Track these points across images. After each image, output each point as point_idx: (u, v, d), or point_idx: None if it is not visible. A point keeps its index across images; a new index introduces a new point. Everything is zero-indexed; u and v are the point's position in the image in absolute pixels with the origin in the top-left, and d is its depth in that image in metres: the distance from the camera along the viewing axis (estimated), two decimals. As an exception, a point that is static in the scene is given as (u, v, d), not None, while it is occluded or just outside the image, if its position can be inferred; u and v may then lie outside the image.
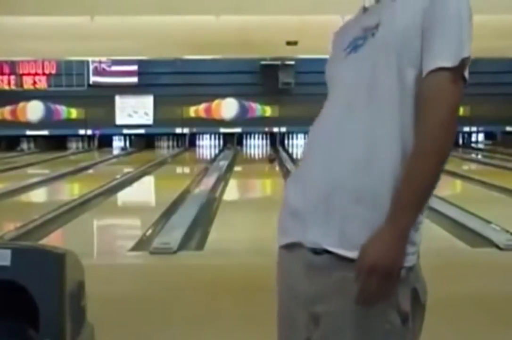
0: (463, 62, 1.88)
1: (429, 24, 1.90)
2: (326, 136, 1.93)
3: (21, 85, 21.95)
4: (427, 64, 1.89)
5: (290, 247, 1.94)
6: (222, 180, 12.15)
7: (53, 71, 21.91)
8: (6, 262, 2.28)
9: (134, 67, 21.75)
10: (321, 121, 1.98)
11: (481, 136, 22.50)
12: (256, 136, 22.11)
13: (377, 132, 1.88)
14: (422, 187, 1.87)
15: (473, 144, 21.70)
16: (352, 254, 1.82)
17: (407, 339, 1.84)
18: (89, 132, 21.84)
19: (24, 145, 21.89)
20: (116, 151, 21.16)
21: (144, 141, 21.90)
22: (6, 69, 21.89)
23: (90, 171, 15.21)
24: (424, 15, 1.92)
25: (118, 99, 22.04)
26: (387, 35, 1.94)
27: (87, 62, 21.60)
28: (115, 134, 22.17)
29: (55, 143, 21.42)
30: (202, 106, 22.12)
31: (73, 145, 22.13)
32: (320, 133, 1.96)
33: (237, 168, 14.98)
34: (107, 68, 22.04)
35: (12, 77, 21.98)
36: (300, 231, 1.91)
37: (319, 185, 1.90)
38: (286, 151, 19.29)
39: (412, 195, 1.85)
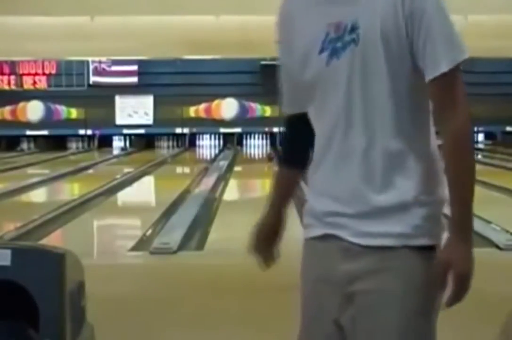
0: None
1: (416, 23, 1.83)
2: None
3: (21, 85, 21.96)
4: (431, 69, 1.84)
5: (322, 237, 1.96)
6: (222, 180, 12.15)
7: (53, 71, 21.91)
8: (6, 262, 2.28)
9: (134, 67, 21.76)
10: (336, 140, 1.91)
11: (481, 136, 22.50)
12: (256, 136, 22.11)
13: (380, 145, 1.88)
14: (471, 187, 1.89)
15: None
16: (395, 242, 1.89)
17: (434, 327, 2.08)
18: (89, 132, 21.84)
19: (24, 145, 21.90)
20: (116, 151, 21.16)
21: (144, 141, 21.89)
22: (6, 69, 21.90)
23: (90, 171, 15.21)
24: (404, 9, 1.84)
25: (118, 99, 22.04)
26: (371, 39, 1.83)
27: (87, 62, 21.60)
28: (115, 134, 22.17)
29: (55, 143, 21.42)
30: (202, 106, 22.13)
31: (73, 145, 22.12)
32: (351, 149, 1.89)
33: (237, 168, 14.98)
34: (107, 68, 22.04)
35: (12, 77, 21.98)
36: (346, 225, 1.92)
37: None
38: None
39: (470, 200, 1.89)
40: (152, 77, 21.68)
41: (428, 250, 1.89)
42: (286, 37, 1.97)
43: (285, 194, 2.17)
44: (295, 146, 2.16)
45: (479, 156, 18.03)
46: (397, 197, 1.87)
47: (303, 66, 1.91)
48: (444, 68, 1.83)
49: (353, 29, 1.83)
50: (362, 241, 1.88)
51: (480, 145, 21.50)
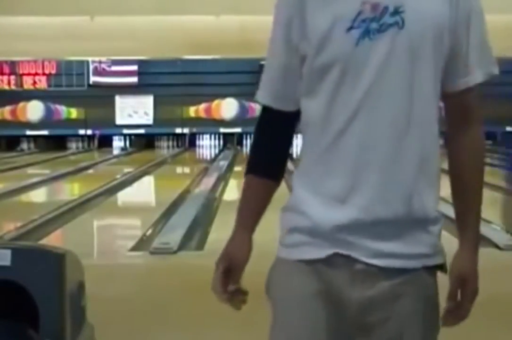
0: None
1: (465, 26, 1.74)
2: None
3: (21, 85, 21.96)
4: (467, 77, 1.76)
5: (325, 260, 1.70)
6: (222, 180, 12.15)
7: (53, 71, 21.91)
8: (6, 262, 2.28)
9: (134, 67, 21.76)
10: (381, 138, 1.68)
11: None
12: (256, 136, 22.10)
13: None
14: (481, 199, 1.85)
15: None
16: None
17: None
18: (89, 132, 21.83)
19: (24, 145, 21.89)
20: (116, 151, 21.16)
21: (144, 141, 21.89)
22: (6, 69, 21.90)
23: (90, 171, 15.20)
24: (459, 8, 1.73)
25: (118, 99, 22.04)
26: (420, 27, 1.68)
27: (87, 62, 21.60)
28: (115, 134, 22.17)
29: (55, 143, 21.41)
30: (202, 106, 22.12)
31: (73, 145, 22.12)
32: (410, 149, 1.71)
33: (237, 168, 14.97)
34: (107, 68, 22.04)
35: (12, 77, 21.98)
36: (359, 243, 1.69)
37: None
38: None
39: (479, 213, 1.84)
40: (152, 77, 21.68)
41: (440, 267, 1.80)
42: (296, 16, 1.72)
43: (258, 212, 1.84)
44: (275, 151, 1.83)
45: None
46: (421, 210, 1.74)
47: (322, 46, 1.68)
48: (480, 78, 1.78)
49: (396, 12, 1.66)
50: (381, 263, 1.68)
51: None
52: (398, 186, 1.68)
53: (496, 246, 6.41)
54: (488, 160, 15.62)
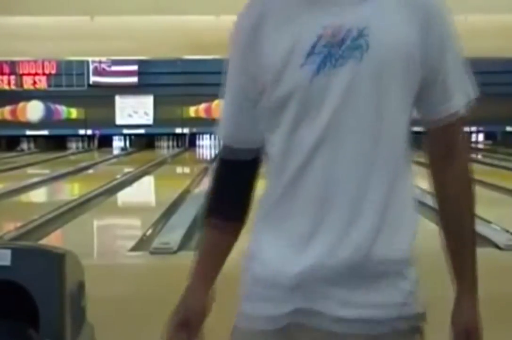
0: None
1: (437, 50, 1.57)
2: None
3: (21, 85, 21.95)
4: (448, 104, 1.60)
5: (280, 329, 1.52)
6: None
7: (53, 71, 21.91)
8: (6, 262, 2.28)
9: (134, 67, 21.75)
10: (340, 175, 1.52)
11: (481, 136, 22.51)
12: (256, 136, 22.10)
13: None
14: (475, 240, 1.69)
15: (473, 144, 21.69)
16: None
17: None
18: (89, 132, 21.83)
19: (24, 145, 21.89)
20: (116, 151, 21.16)
21: (144, 141, 21.89)
22: (6, 69, 21.89)
23: (90, 171, 15.20)
24: (433, 29, 1.56)
25: (118, 99, 22.04)
26: (385, 54, 1.51)
27: (87, 62, 21.60)
28: (115, 134, 22.16)
29: (55, 143, 21.41)
30: (202, 106, 22.12)
31: (73, 145, 22.12)
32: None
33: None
34: (107, 68, 22.04)
35: (12, 77, 21.98)
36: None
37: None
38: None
39: (474, 254, 1.69)
40: (152, 77, 21.67)
41: (418, 317, 1.61)
42: (252, 45, 1.56)
43: (217, 264, 1.69)
44: (235, 194, 1.65)
45: (479, 156, 18.03)
46: (392, 253, 1.54)
47: (279, 76, 1.51)
48: (461, 104, 1.62)
49: (360, 35, 1.50)
50: (349, 314, 1.51)
51: (480, 145, 21.51)
52: (364, 226, 1.50)
53: (496, 246, 6.41)
54: (488, 160, 15.65)
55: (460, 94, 1.62)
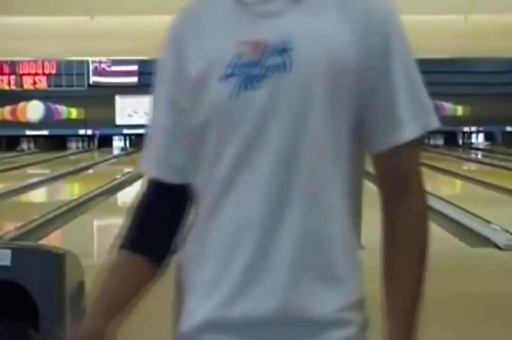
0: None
1: (380, 63, 1.33)
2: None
3: (21, 85, 21.96)
4: (392, 133, 1.34)
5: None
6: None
7: (53, 71, 21.91)
8: (6, 262, 2.28)
9: (134, 67, 21.75)
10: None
11: (481, 137, 22.51)
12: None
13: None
14: (422, 285, 1.39)
15: (472, 145, 21.70)
16: None
17: None
18: (89, 132, 21.83)
19: (24, 145, 21.89)
20: (116, 151, 21.16)
21: (144, 141, 21.85)
22: (6, 69, 21.90)
23: (90, 171, 15.21)
24: (362, 40, 1.31)
25: (118, 99, 22.04)
26: (312, 69, 1.29)
27: (87, 62, 21.61)
28: (115, 134, 22.17)
29: (55, 143, 21.41)
30: (202, 106, 22.12)
31: (73, 145, 22.12)
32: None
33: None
34: (107, 68, 22.04)
35: (12, 77, 21.98)
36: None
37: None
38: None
39: (418, 299, 1.39)
40: (152, 77, 21.61)
41: None
42: (172, 65, 1.41)
43: (122, 297, 1.49)
44: (160, 227, 1.44)
45: (479, 156, 18.04)
46: (309, 310, 1.31)
47: (195, 100, 1.33)
48: (413, 134, 1.34)
49: (284, 50, 1.29)
50: None
51: (480, 146, 21.52)
52: (270, 278, 1.29)
53: (496, 246, 6.41)
54: (488, 160, 15.66)
55: (414, 121, 1.34)
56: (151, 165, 1.45)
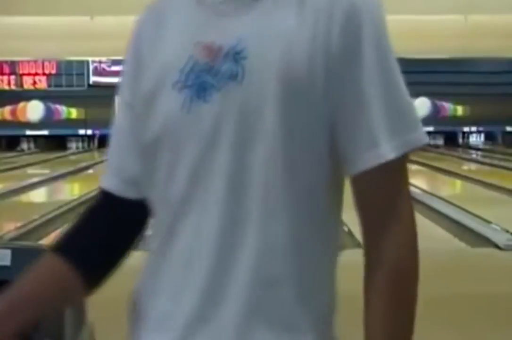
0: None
1: (349, 69, 1.11)
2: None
3: (21, 85, 21.96)
4: (364, 153, 1.12)
5: None
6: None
7: (53, 71, 21.91)
8: (6, 262, 2.29)
9: (134, 67, 21.77)
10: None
11: (481, 137, 22.51)
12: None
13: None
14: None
15: (472, 145, 21.71)
16: None
17: None
18: (89, 132, 21.84)
19: (24, 145, 21.90)
20: (116, 151, 21.14)
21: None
22: (6, 69, 21.90)
23: (90, 171, 15.21)
24: (332, 43, 1.10)
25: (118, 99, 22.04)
26: (265, 80, 1.10)
27: (87, 62, 21.61)
28: (115, 134, 22.16)
29: (55, 143, 21.42)
30: (202, 106, 22.13)
31: (73, 145, 22.13)
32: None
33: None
34: (107, 68, 22.04)
35: (12, 77, 21.98)
36: None
37: None
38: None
39: None
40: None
41: None
42: (130, 67, 1.25)
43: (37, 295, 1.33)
44: (95, 236, 1.28)
45: (479, 156, 18.05)
46: None
47: (148, 111, 1.17)
48: (390, 155, 1.11)
49: (236, 56, 1.11)
50: None
51: (480, 146, 21.53)
52: (220, 322, 1.12)
53: (496, 246, 6.41)
54: (488, 160, 15.66)
55: (388, 142, 1.11)
56: (105, 174, 1.35)
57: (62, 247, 1.30)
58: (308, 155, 1.13)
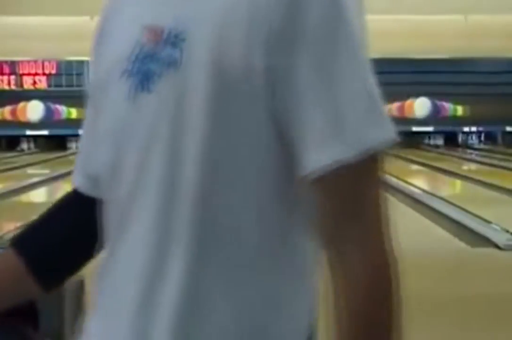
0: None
1: (293, 51, 0.93)
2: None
3: (21, 85, 21.95)
4: (314, 156, 0.94)
5: None
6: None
7: (53, 71, 21.91)
8: (6, 262, 2.29)
9: (134, 67, 21.76)
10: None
11: (480, 137, 22.50)
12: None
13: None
14: None
15: (472, 145, 21.70)
16: None
17: None
18: (89, 132, 21.84)
19: (24, 145, 21.89)
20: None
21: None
22: (6, 69, 21.90)
23: (90, 171, 15.20)
24: (272, 24, 0.94)
25: (118, 99, 22.06)
26: (199, 66, 0.95)
27: (87, 62, 21.58)
28: (115, 134, 22.16)
29: (55, 143, 21.42)
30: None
31: (73, 145, 22.11)
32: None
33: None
34: (107, 68, 22.07)
35: (12, 77, 21.98)
36: None
37: None
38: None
39: None
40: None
41: None
42: (93, 61, 1.14)
43: None
44: (53, 233, 1.21)
45: (479, 157, 18.05)
46: None
47: (98, 102, 1.07)
48: (339, 155, 0.93)
49: (175, 39, 0.98)
50: None
51: (480, 146, 21.52)
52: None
53: (496, 246, 6.41)
54: (487, 160, 15.66)
55: (332, 140, 0.93)
56: (76, 173, 1.26)
57: (20, 243, 1.20)
58: (248, 154, 0.96)
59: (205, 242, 0.96)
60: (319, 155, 0.93)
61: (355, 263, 0.93)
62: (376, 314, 0.93)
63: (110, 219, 1.05)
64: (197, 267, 0.96)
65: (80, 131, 1.22)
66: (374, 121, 0.94)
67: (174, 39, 0.97)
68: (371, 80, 0.96)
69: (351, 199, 0.94)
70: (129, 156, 1.00)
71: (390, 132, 0.95)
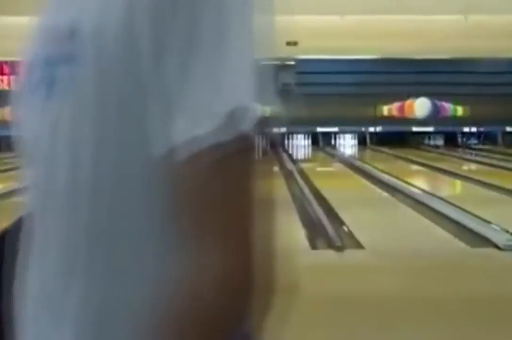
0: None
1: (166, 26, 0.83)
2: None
3: (21, 85, 22.01)
4: (159, 138, 0.83)
5: None
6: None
7: (53, 71, 21.97)
8: (6, 262, 2.29)
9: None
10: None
11: (481, 137, 22.51)
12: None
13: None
14: None
15: (472, 145, 21.70)
16: None
17: None
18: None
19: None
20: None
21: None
22: (6, 69, 21.92)
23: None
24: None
25: (118, 99, 22.09)
26: (96, 63, 0.85)
27: (87, 62, 21.67)
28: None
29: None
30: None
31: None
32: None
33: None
34: (107, 68, 22.10)
35: (12, 77, 22.02)
36: None
37: None
38: (286, 151, 19.31)
39: None
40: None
41: None
42: None
43: None
44: None
45: (479, 157, 18.05)
46: None
47: (13, 113, 1.01)
48: (183, 134, 0.81)
49: (73, 36, 0.87)
50: None
51: (480, 146, 21.53)
52: None
53: (496, 246, 6.41)
54: (487, 160, 15.66)
55: (189, 119, 0.80)
56: None
57: None
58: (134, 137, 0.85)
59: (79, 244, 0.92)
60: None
61: (212, 259, 0.81)
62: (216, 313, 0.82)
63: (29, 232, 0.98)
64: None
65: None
66: (233, 92, 0.83)
67: (72, 34, 0.87)
68: (257, 54, 0.86)
69: (207, 193, 0.82)
70: (35, 172, 0.97)
71: (251, 107, 0.82)
